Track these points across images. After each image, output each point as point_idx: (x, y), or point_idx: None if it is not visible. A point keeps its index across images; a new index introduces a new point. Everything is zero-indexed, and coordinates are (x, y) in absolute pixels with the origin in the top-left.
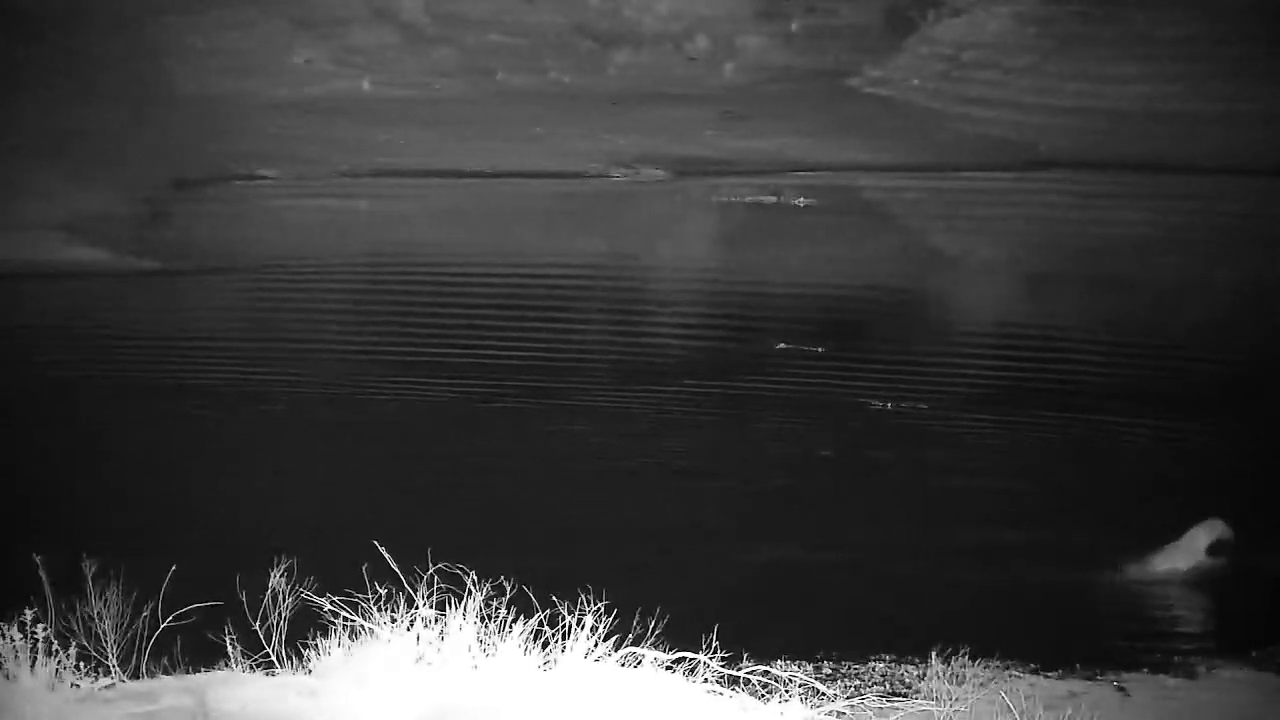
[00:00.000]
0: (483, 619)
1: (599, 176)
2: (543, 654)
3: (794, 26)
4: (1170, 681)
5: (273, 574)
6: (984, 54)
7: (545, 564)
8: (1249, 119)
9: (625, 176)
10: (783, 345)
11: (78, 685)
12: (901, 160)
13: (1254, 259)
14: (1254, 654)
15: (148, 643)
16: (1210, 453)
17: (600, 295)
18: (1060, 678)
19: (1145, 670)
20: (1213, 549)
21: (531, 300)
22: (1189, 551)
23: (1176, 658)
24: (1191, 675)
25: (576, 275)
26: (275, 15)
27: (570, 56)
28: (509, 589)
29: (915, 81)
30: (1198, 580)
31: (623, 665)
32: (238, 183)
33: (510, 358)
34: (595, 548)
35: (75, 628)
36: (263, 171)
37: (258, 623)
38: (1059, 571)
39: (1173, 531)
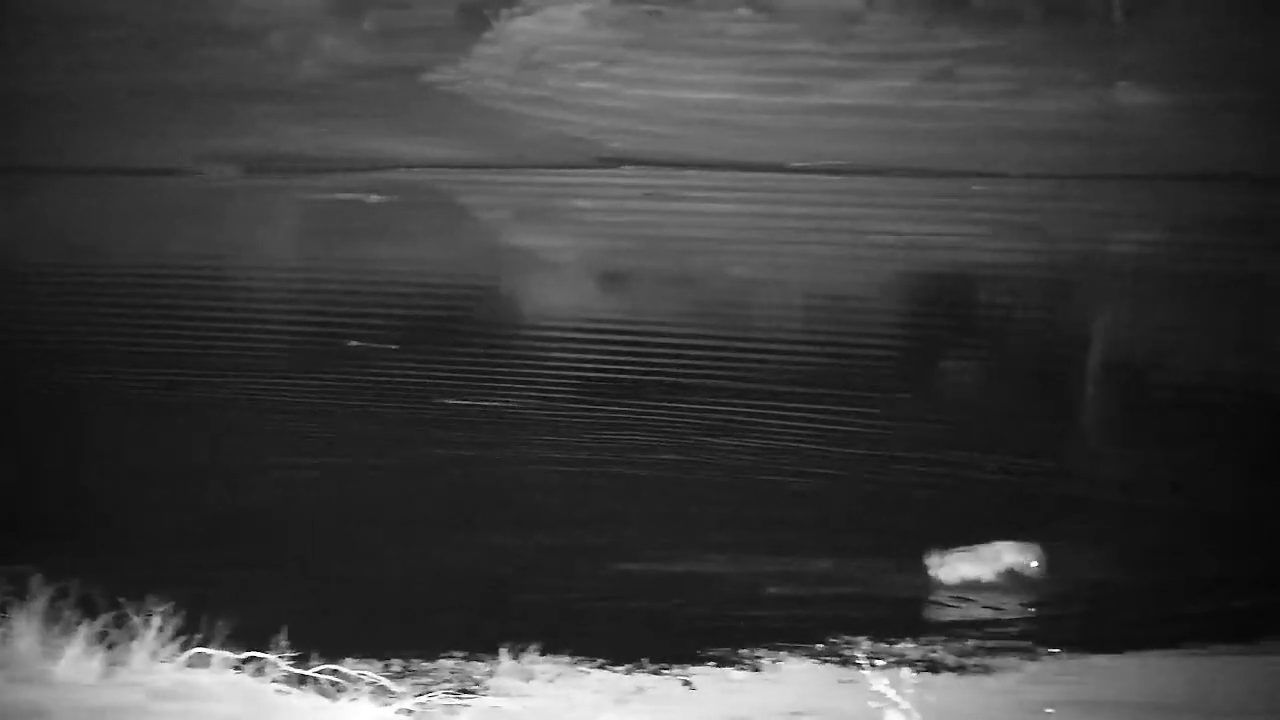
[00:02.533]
0: (48, 620)
1: (179, 173)
2: (108, 654)
3: (367, 24)
4: (736, 675)
5: None
6: (557, 52)
7: (114, 563)
8: (818, 117)
9: (207, 174)
10: (356, 343)
11: None
12: (478, 157)
13: (824, 254)
14: (818, 646)
15: None
16: (789, 439)
17: (179, 292)
18: (628, 673)
19: (712, 664)
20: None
21: (122, 297)
22: (989, 562)
23: (743, 651)
24: (756, 668)
25: (161, 272)
26: None
27: (157, 52)
28: (76, 590)
29: (490, 79)
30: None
31: (190, 665)
32: None
33: (95, 350)
34: (162, 546)
35: None
36: None
37: None
38: (634, 566)
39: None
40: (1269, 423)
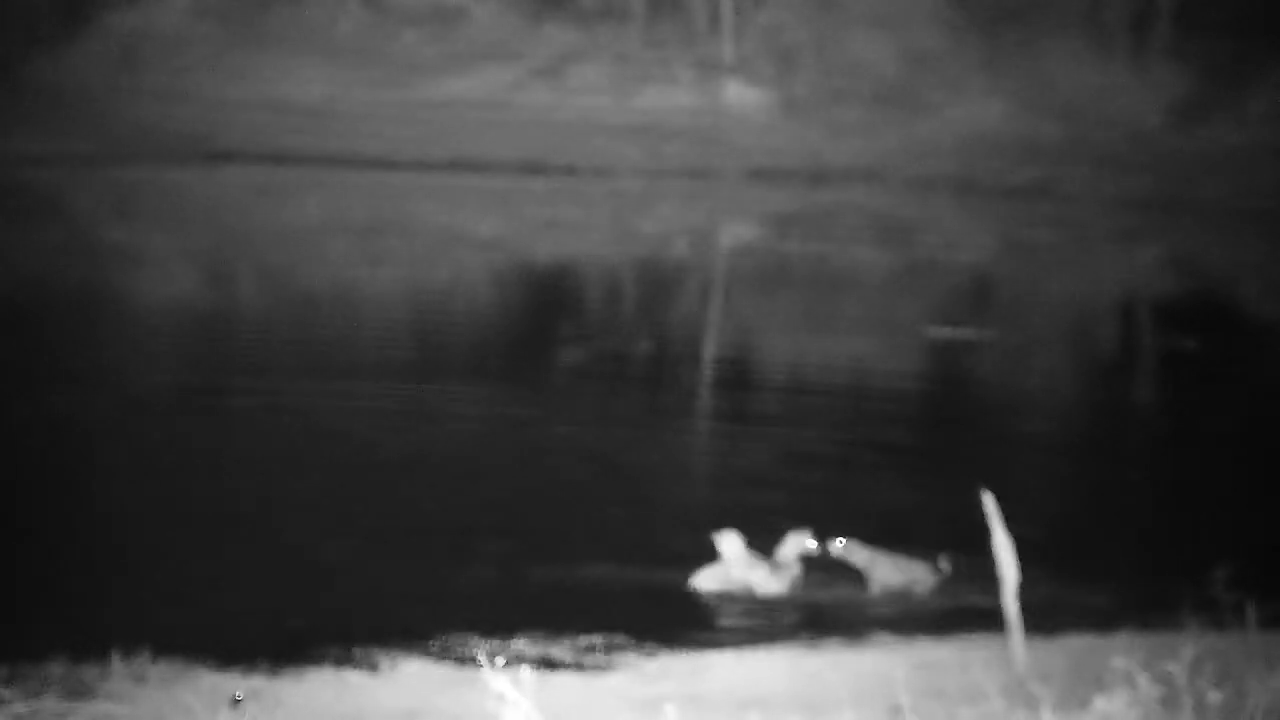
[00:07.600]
0: None
1: None
2: None
3: None
4: (354, 677)
5: None
6: (160, 46)
7: None
8: (424, 112)
9: None
10: None
11: None
12: (76, 151)
13: (427, 246)
14: (433, 644)
15: None
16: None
17: None
18: (244, 674)
19: (331, 664)
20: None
21: None
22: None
23: (358, 650)
24: (374, 668)
25: None
26: None
27: None
28: None
29: (91, 72)
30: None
31: None
32: None
33: None
34: None
35: None
36: None
37: None
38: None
39: None
40: (841, 413)
